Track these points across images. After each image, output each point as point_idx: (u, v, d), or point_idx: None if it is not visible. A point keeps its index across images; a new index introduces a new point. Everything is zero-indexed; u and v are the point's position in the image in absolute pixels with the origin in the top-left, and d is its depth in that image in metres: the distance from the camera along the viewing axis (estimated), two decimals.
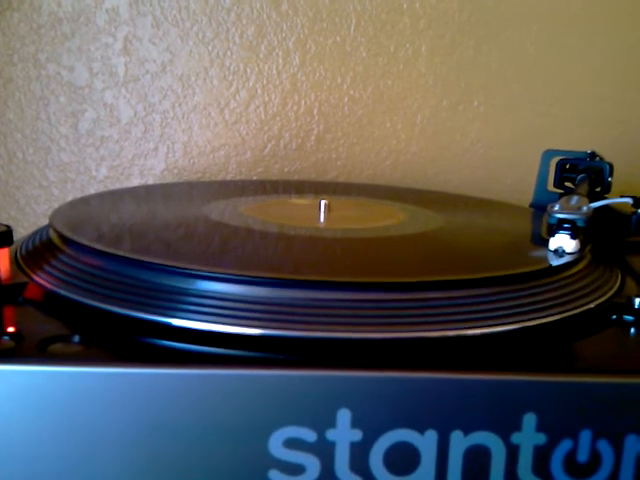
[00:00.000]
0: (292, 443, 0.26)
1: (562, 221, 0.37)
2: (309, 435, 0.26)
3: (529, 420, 0.27)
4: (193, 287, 0.31)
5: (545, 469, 0.27)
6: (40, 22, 0.61)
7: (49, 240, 0.38)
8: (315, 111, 0.65)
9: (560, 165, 0.50)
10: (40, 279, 0.34)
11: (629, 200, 0.44)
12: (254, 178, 0.66)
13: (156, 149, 0.64)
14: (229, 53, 0.63)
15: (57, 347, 0.28)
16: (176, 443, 0.26)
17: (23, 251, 0.38)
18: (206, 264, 0.32)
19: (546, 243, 0.37)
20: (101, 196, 0.51)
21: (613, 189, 0.49)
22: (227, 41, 0.63)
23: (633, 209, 0.45)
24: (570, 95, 0.68)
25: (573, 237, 0.37)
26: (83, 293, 0.32)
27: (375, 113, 0.66)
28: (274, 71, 0.64)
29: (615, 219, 0.46)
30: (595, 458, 0.27)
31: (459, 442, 0.27)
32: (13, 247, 0.36)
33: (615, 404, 0.27)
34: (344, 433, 0.26)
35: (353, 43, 0.65)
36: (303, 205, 0.51)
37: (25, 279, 0.34)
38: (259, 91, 0.64)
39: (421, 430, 0.26)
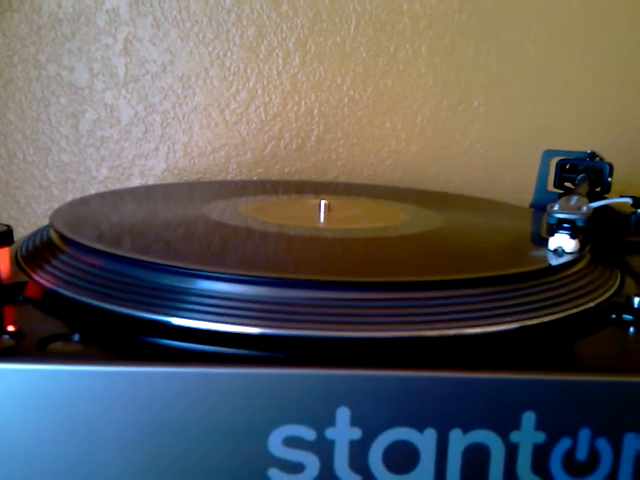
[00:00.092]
0: (292, 441, 0.26)
1: (562, 221, 0.37)
2: (308, 434, 0.26)
3: (528, 419, 0.27)
4: (193, 286, 0.31)
5: (544, 467, 0.27)
6: (40, 23, 0.61)
7: (49, 240, 0.38)
8: (315, 111, 0.65)
9: (560, 165, 0.50)
10: (40, 278, 0.34)
11: (629, 200, 0.44)
12: (254, 178, 0.66)
13: (156, 149, 0.64)
14: (229, 54, 0.63)
15: (57, 346, 0.28)
16: (176, 442, 0.26)
17: (23, 251, 0.38)
18: (206, 264, 0.32)
19: (546, 243, 0.37)
20: (101, 196, 0.51)
21: (613, 189, 0.49)
22: (227, 42, 0.63)
23: (633, 209, 0.45)
24: (570, 95, 0.68)
25: (573, 237, 0.37)
26: (83, 292, 0.32)
27: (375, 113, 0.66)
28: (274, 72, 0.64)
29: (615, 219, 0.46)
30: (594, 456, 0.27)
31: (458, 440, 0.27)
32: (13, 247, 0.36)
33: (614, 403, 0.27)
34: (343, 431, 0.26)
35: (353, 44, 0.65)
36: (303, 205, 0.51)
37: (25, 278, 0.34)
38: (259, 92, 0.64)
39: (420, 429, 0.26)
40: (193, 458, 0.26)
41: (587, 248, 0.38)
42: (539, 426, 0.27)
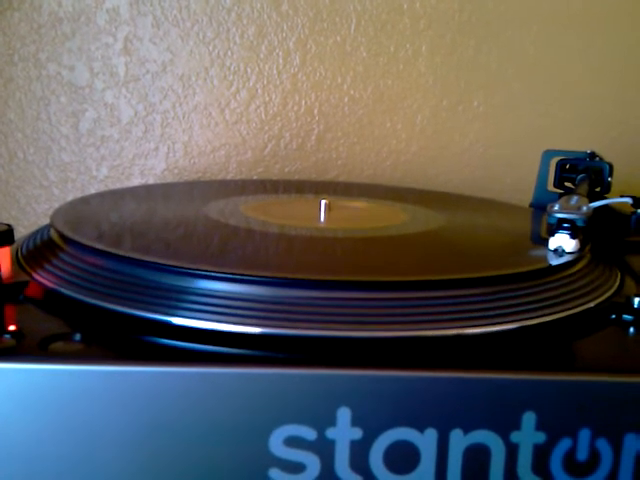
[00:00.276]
0: (292, 441, 0.26)
1: (562, 221, 0.37)
2: (309, 433, 0.26)
3: (528, 419, 0.27)
4: (193, 286, 0.31)
5: (544, 468, 0.27)
6: (40, 22, 0.61)
7: (50, 239, 0.38)
8: (315, 111, 0.65)
9: (560, 165, 0.51)
10: (41, 278, 0.34)
11: (629, 200, 0.44)
12: (254, 178, 0.66)
13: (157, 149, 0.64)
14: (230, 53, 0.63)
15: (58, 345, 0.28)
16: (177, 441, 0.26)
17: (24, 250, 0.38)
18: (206, 263, 0.32)
19: (546, 243, 0.37)
20: (102, 196, 0.51)
21: (612, 189, 0.49)
22: (228, 41, 0.63)
23: (633, 209, 0.46)
24: (570, 95, 0.68)
25: (573, 237, 0.37)
26: (84, 292, 0.32)
27: (375, 113, 0.66)
28: (274, 71, 0.64)
29: (615, 219, 0.46)
30: (594, 457, 0.27)
31: (459, 441, 0.27)
32: (14, 246, 0.36)
33: (614, 403, 0.27)
34: (344, 431, 0.26)
35: (353, 43, 0.65)
36: (303, 205, 0.51)
37: (26, 278, 0.34)
38: (259, 91, 0.64)
39: (421, 429, 0.27)
40: (194, 458, 0.26)
41: (587, 248, 0.38)
42: (539, 426, 0.27)
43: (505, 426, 0.27)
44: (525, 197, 0.54)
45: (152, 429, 0.26)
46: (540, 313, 0.31)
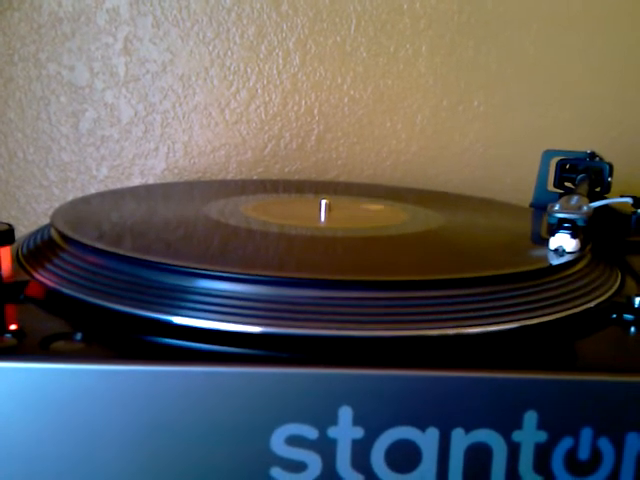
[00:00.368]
0: (294, 440, 0.26)
1: (562, 220, 0.37)
2: (311, 432, 0.26)
3: (530, 418, 0.27)
4: (194, 285, 0.31)
5: (546, 467, 0.27)
6: (40, 22, 0.61)
7: (50, 239, 0.38)
8: (315, 111, 0.65)
9: (560, 165, 0.51)
10: (42, 277, 0.34)
11: (629, 200, 0.44)
12: (254, 178, 0.66)
13: (157, 149, 0.64)
14: (229, 53, 0.63)
15: (59, 345, 0.28)
16: (178, 440, 0.26)
17: (24, 250, 0.38)
18: (207, 263, 0.32)
19: (546, 242, 0.37)
20: (102, 195, 0.51)
21: (612, 189, 0.49)
22: (228, 41, 0.63)
23: (633, 209, 0.46)
24: (569, 95, 0.68)
25: (573, 236, 0.37)
26: (85, 291, 0.32)
27: (375, 113, 0.66)
28: (274, 71, 0.64)
29: (615, 219, 0.46)
30: (596, 456, 0.27)
31: (460, 440, 0.27)
32: (14, 246, 0.36)
33: (615, 402, 0.27)
34: (346, 431, 0.26)
35: (353, 43, 0.65)
36: (304, 204, 0.51)
37: (27, 277, 0.34)
38: (259, 91, 0.64)
39: (422, 428, 0.26)
40: (195, 457, 0.26)
41: (588, 248, 0.38)
42: (541, 425, 0.27)
43: (506, 425, 0.27)
44: (525, 197, 0.54)
45: (153, 428, 0.26)
46: (541, 313, 0.31)
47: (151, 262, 0.32)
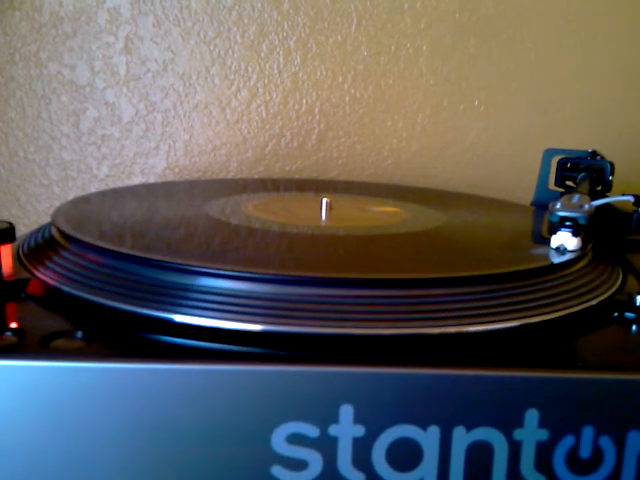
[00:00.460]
0: (295, 439, 0.26)
1: (564, 219, 0.37)
2: (312, 431, 0.26)
3: (531, 416, 0.27)
4: (195, 283, 0.31)
5: (547, 465, 0.27)
6: (41, 21, 0.61)
7: (51, 237, 0.38)
8: (316, 110, 0.65)
9: (561, 164, 0.50)
10: (42, 275, 0.34)
11: (630, 198, 0.44)
12: (255, 177, 0.66)
13: (157, 148, 0.64)
14: (230, 52, 0.63)
15: (59, 343, 0.28)
16: (178, 438, 0.26)
17: (25, 248, 0.38)
18: (208, 261, 0.32)
19: (548, 241, 0.37)
20: (103, 194, 0.51)
21: (614, 188, 0.49)
22: (228, 40, 0.63)
23: (634, 207, 0.45)
24: (570, 94, 0.68)
25: (575, 235, 0.37)
26: (86, 289, 0.32)
27: (376, 112, 0.66)
28: (275, 70, 0.64)
29: (616, 217, 0.46)
30: (597, 454, 0.27)
31: (461, 438, 0.27)
32: (15, 244, 0.36)
33: (617, 401, 0.27)
34: (347, 429, 0.26)
35: (354, 42, 0.65)
36: (305, 203, 0.51)
37: (27, 275, 0.34)
38: (260, 90, 0.64)
39: (423, 426, 0.26)
40: (196, 455, 0.26)
41: (589, 246, 0.38)
42: (542, 424, 0.27)
43: (508, 423, 0.27)
44: (526, 196, 0.54)
45: (154, 426, 0.26)
46: (542, 311, 0.31)
47: (152, 260, 0.32)
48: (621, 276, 0.38)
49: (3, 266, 0.33)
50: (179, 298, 0.30)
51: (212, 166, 0.65)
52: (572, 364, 0.29)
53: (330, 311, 0.29)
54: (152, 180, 0.65)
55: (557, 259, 0.35)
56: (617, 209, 0.46)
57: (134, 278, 0.32)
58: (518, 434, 0.27)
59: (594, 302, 0.33)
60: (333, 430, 0.26)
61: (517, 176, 0.68)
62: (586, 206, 0.37)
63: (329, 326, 0.29)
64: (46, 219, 0.44)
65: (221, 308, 0.29)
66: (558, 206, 0.37)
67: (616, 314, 0.33)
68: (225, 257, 0.35)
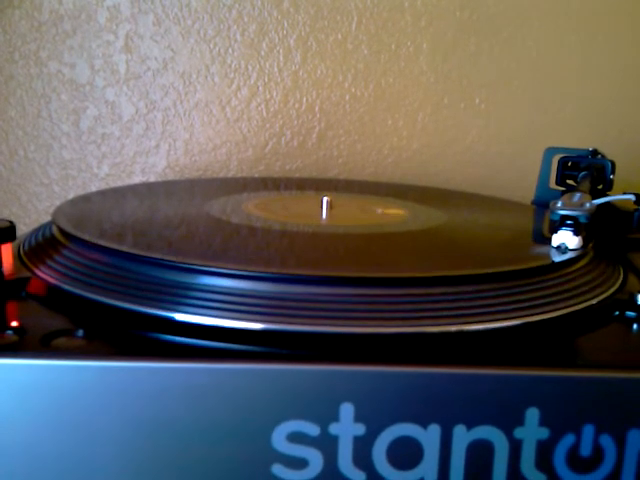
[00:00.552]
0: (295, 437, 0.26)
1: (565, 218, 0.37)
2: (312, 429, 0.26)
3: (532, 415, 0.27)
4: (196, 282, 0.31)
5: (548, 464, 0.27)
6: (41, 20, 0.61)
7: (52, 236, 0.38)
8: (316, 109, 0.65)
9: (562, 162, 0.50)
10: (43, 274, 0.34)
11: (631, 197, 0.44)
12: (256, 175, 0.66)
13: (157, 146, 0.64)
14: (230, 51, 0.63)
15: (60, 341, 0.28)
16: (179, 437, 0.26)
17: (26, 247, 0.38)
18: (209, 259, 0.32)
19: (549, 239, 0.37)
20: (103, 193, 0.51)
21: (615, 187, 0.49)
22: (228, 39, 0.63)
23: (635, 206, 0.45)
24: (571, 92, 0.68)
25: (576, 233, 0.37)
26: (86, 288, 0.32)
27: (376, 111, 0.66)
28: (275, 69, 0.64)
29: (617, 216, 0.46)
30: (598, 453, 0.27)
31: (462, 436, 0.27)
32: (16, 243, 0.36)
33: (618, 399, 0.27)
34: (347, 427, 0.26)
35: (354, 41, 0.65)
36: (305, 202, 0.51)
37: (28, 274, 0.34)
38: (260, 89, 0.64)
39: (424, 424, 0.26)
40: (196, 454, 0.26)
41: (590, 245, 0.38)
42: (543, 422, 0.27)
43: (508, 422, 0.27)
44: (527, 194, 0.54)
45: (155, 425, 0.26)
46: (543, 310, 0.31)
47: (153, 259, 0.32)
48: (622, 275, 0.38)
49: (4, 265, 0.33)
50: (180, 297, 0.30)
51: (212, 165, 0.65)
52: (573, 363, 0.29)
53: (331, 310, 0.29)
54: (152, 179, 0.65)
55: (558, 258, 0.35)
56: (618, 208, 0.46)
57: (135, 277, 0.32)
58: (519, 433, 0.27)
59: (595, 301, 0.33)
60: (334, 429, 0.26)
61: (518, 175, 0.68)
62: (587, 205, 0.37)
63: (330, 324, 0.29)
64: (46, 218, 0.44)
65: (222, 307, 0.29)
66: (559, 205, 0.37)
67: (617, 313, 0.33)
68: (226, 256, 0.35)
